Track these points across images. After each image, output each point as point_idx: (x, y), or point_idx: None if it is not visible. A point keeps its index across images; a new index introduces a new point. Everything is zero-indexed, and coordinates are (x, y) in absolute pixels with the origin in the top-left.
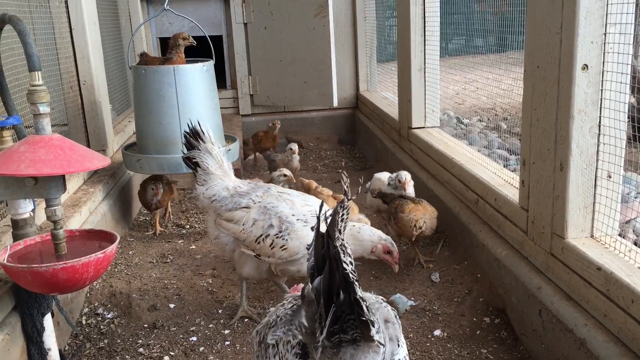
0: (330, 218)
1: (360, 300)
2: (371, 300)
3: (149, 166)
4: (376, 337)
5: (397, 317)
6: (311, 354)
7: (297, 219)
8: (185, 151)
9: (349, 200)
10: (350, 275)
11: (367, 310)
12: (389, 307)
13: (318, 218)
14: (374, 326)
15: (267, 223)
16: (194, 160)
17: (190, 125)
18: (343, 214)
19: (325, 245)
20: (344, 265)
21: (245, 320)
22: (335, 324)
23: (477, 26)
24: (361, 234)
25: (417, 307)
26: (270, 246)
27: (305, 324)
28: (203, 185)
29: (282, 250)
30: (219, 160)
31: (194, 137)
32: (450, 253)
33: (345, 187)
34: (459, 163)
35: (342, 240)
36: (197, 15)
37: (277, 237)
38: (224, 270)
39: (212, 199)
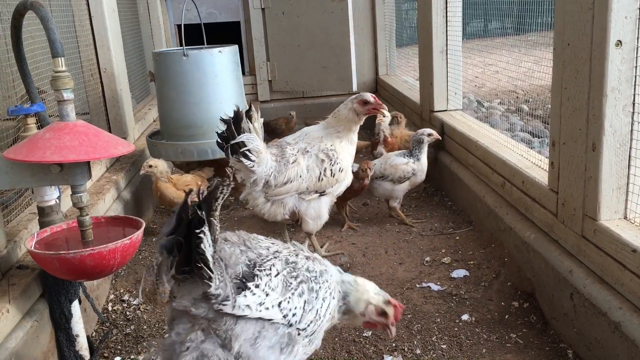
0: (208, 194)
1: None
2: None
3: (197, 152)
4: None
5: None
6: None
7: (331, 144)
8: (220, 141)
9: (231, 182)
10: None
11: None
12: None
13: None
14: (208, 258)
15: (318, 161)
16: (244, 148)
17: (235, 110)
18: (223, 190)
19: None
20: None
21: None
22: (185, 264)
23: (498, 8)
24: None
25: (444, 292)
26: (332, 175)
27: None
28: (259, 165)
29: (341, 172)
30: (259, 132)
31: (236, 123)
32: (475, 237)
33: (229, 172)
34: (484, 146)
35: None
36: (214, 2)
37: (332, 165)
38: None
39: (270, 174)
